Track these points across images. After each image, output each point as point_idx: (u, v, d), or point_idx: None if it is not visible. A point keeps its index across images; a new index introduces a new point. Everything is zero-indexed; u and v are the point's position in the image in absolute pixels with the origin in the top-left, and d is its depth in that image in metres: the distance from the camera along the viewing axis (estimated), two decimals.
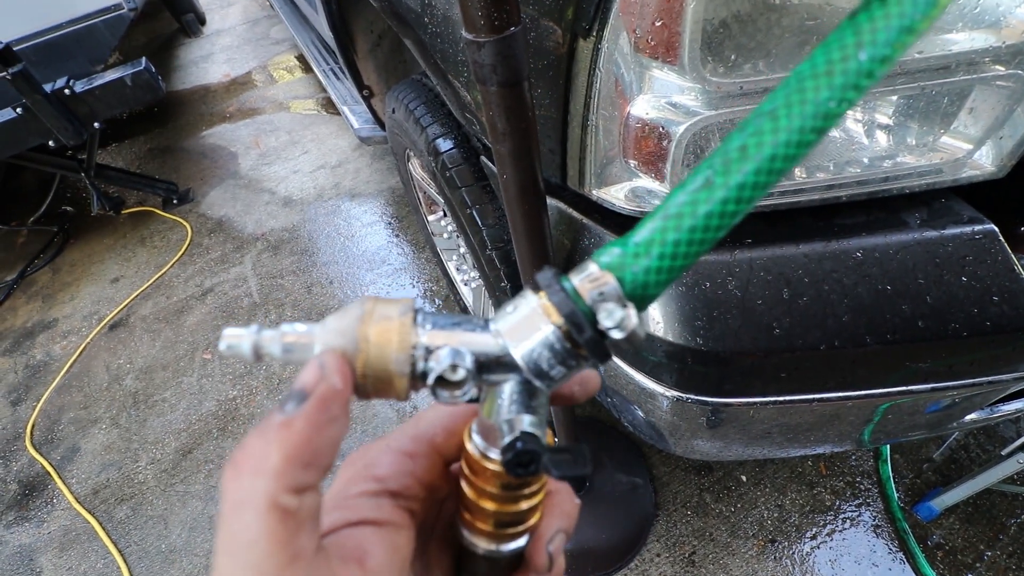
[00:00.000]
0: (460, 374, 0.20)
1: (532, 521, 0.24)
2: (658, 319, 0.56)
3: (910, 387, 0.56)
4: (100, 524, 1.41)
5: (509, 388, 0.21)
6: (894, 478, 1.18)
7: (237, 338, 0.20)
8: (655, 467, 1.26)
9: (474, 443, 0.22)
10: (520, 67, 0.39)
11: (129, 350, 1.83)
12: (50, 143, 1.81)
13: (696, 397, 0.61)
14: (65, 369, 1.82)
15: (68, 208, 2.48)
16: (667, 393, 0.63)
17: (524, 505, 0.23)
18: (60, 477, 1.54)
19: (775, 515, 1.16)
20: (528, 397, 0.21)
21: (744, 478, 1.23)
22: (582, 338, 0.19)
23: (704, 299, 0.51)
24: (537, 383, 0.21)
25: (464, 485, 0.23)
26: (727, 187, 0.18)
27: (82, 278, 2.17)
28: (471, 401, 0.23)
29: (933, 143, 0.49)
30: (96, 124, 1.84)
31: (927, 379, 0.55)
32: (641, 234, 0.19)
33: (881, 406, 0.61)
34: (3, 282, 2.22)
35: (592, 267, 0.20)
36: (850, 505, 1.16)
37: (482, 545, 0.23)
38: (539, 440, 0.20)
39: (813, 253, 0.51)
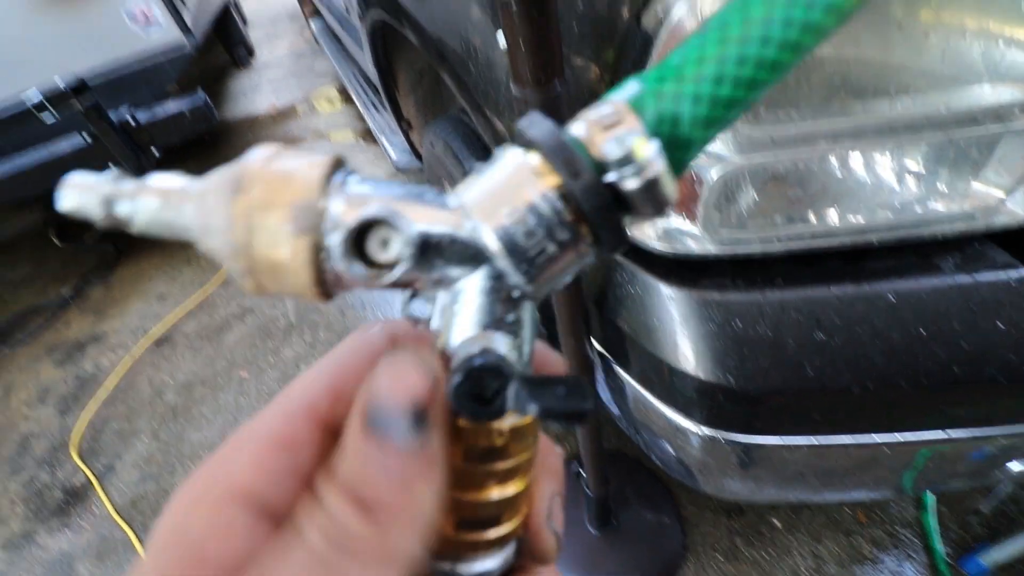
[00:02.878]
0: (394, 248, 0.14)
1: (511, 524, 0.16)
2: (688, 355, 0.57)
3: (949, 433, 0.55)
4: (136, 535, 1.45)
5: (470, 292, 0.15)
6: (939, 530, 1.13)
7: (83, 190, 0.15)
8: (684, 506, 1.24)
9: None
10: (563, 116, 0.42)
11: (172, 365, 1.91)
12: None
13: (727, 436, 0.61)
14: (112, 382, 1.91)
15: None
16: (697, 430, 0.63)
17: (496, 492, 0.15)
18: (101, 487, 1.60)
19: (810, 564, 1.12)
20: (500, 308, 0.15)
21: (777, 522, 1.19)
22: (577, 185, 0.14)
23: (735, 338, 0.52)
24: (513, 275, 0.15)
25: None
26: None
27: (132, 294, 2.29)
28: (412, 318, 0.17)
29: (964, 190, 0.50)
30: (155, 151, 1.97)
31: (965, 425, 0.54)
32: (671, 59, 0.15)
33: (921, 452, 0.60)
34: (59, 296, 2.36)
35: (606, 106, 0.15)
36: (891, 557, 1.11)
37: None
38: (508, 363, 0.14)
39: (845, 295, 0.51)
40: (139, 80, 1.97)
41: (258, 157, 0.15)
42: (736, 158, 0.47)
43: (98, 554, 1.45)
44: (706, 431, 0.63)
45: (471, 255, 0.15)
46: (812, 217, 0.51)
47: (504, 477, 0.15)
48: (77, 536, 1.51)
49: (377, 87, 1.64)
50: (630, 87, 0.15)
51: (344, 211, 0.14)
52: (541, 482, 0.18)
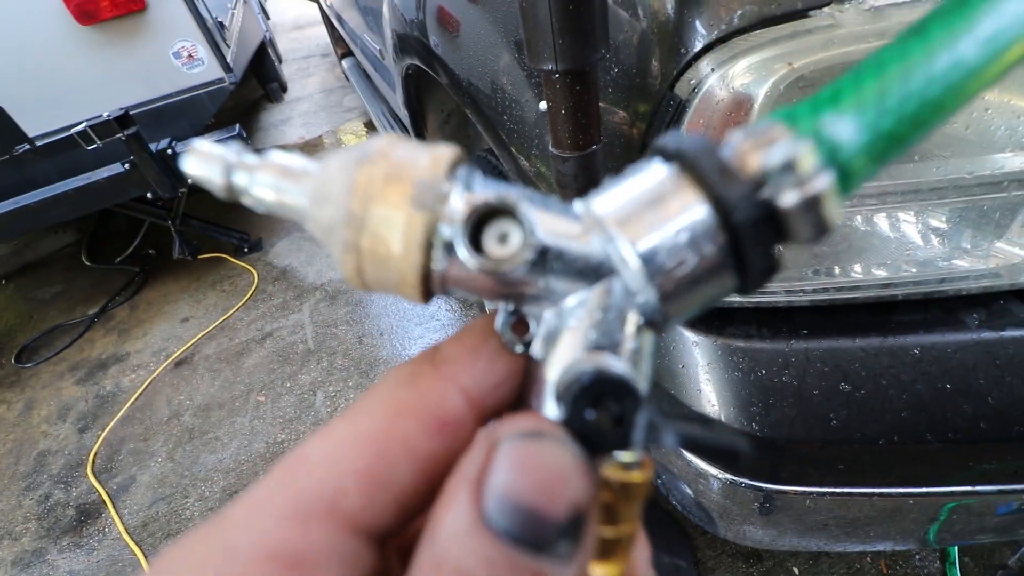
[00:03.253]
0: (513, 243, 0.13)
1: None
2: (712, 401, 0.57)
3: (975, 488, 0.55)
4: (145, 557, 1.45)
5: (585, 309, 0.13)
6: None
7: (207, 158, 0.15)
8: (700, 550, 1.21)
9: None
10: (598, 176, 0.44)
11: (190, 387, 1.94)
12: (148, 195, 2.03)
13: (749, 482, 0.61)
14: (131, 401, 1.94)
15: (151, 251, 2.72)
16: (719, 475, 0.64)
17: (601, 572, 0.13)
18: (114, 507, 1.61)
19: None
20: (619, 330, 0.13)
21: (796, 571, 1.16)
22: (730, 191, 0.12)
23: (760, 386, 0.53)
24: (645, 291, 0.13)
25: None
26: None
27: (156, 316, 2.34)
28: (515, 318, 0.15)
29: (988, 248, 0.51)
30: (189, 180, 2.05)
31: (992, 480, 0.54)
32: (824, 92, 0.13)
33: (946, 506, 0.60)
34: (85, 316, 2.42)
35: (760, 125, 0.13)
36: None
37: None
38: (635, 386, 0.12)
39: (870, 347, 0.52)
40: (179, 113, 2.08)
41: (385, 138, 0.15)
42: None
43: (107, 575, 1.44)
44: (727, 476, 0.63)
45: (592, 267, 0.13)
46: (837, 270, 0.52)
47: (604, 552, 0.13)
48: (87, 556, 1.51)
49: (405, 125, 1.70)
50: (780, 115, 0.14)
51: (466, 199, 0.13)
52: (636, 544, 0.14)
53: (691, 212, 0.13)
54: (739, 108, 0.42)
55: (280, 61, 4.64)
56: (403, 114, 1.60)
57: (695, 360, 0.58)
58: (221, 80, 2.10)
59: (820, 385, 0.52)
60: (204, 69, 2.06)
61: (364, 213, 0.13)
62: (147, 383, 2.00)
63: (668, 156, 0.14)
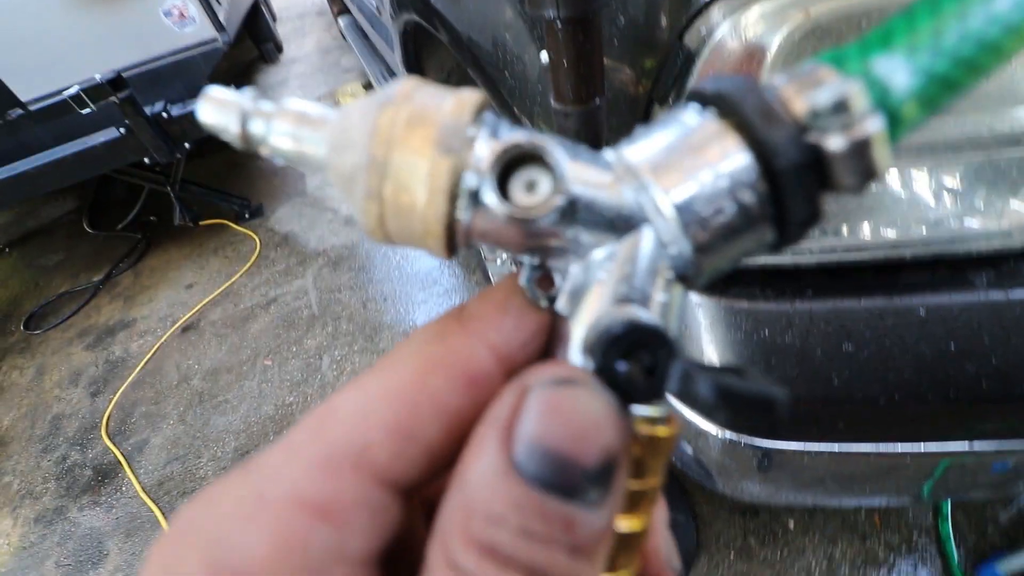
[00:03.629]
0: (542, 191, 0.13)
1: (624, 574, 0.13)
2: (715, 361, 0.58)
3: (972, 446, 0.56)
4: (163, 514, 1.51)
5: (613, 261, 0.13)
6: (955, 537, 1.12)
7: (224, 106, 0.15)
8: (698, 504, 1.25)
9: None
10: (601, 132, 0.43)
11: (198, 352, 1.97)
12: (145, 160, 2.00)
13: (748, 439, 0.62)
14: (140, 366, 1.97)
15: (152, 218, 2.71)
16: (718, 433, 0.64)
17: (624, 524, 0.13)
18: (130, 467, 1.66)
19: (823, 565, 1.13)
20: (649, 283, 0.13)
21: (792, 524, 1.20)
22: (773, 133, 0.12)
23: (762, 346, 0.54)
24: (679, 241, 0.13)
25: None
26: None
27: (160, 282, 2.35)
28: (539, 274, 0.15)
29: (1002, 208, 0.50)
30: (186, 144, 2.02)
31: (990, 438, 0.55)
32: (873, 35, 0.13)
33: (942, 462, 0.61)
34: (90, 283, 2.43)
35: (805, 66, 0.13)
36: (905, 562, 1.11)
37: None
38: (669, 336, 0.12)
39: (875, 308, 0.52)
40: (173, 75, 2.02)
41: (408, 81, 0.14)
42: None
43: (127, 532, 1.50)
44: (727, 434, 0.64)
45: (624, 218, 0.13)
46: (844, 230, 0.51)
47: (629, 504, 0.13)
48: (106, 513, 1.57)
49: None
50: (825, 57, 0.13)
51: (493, 144, 0.13)
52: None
53: (731, 158, 0.12)
54: (751, 59, 0.41)
55: (274, 19, 4.48)
56: (401, 73, 1.55)
57: (698, 321, 0.57)
58: (214, 39, 2.03)
59: (823, 345, 0.52)
60: (196, 28, 1.99)
61: (386, 158, 0.13)
62: (155, 348, 2.02)
63: (706, 100, 0.14)
